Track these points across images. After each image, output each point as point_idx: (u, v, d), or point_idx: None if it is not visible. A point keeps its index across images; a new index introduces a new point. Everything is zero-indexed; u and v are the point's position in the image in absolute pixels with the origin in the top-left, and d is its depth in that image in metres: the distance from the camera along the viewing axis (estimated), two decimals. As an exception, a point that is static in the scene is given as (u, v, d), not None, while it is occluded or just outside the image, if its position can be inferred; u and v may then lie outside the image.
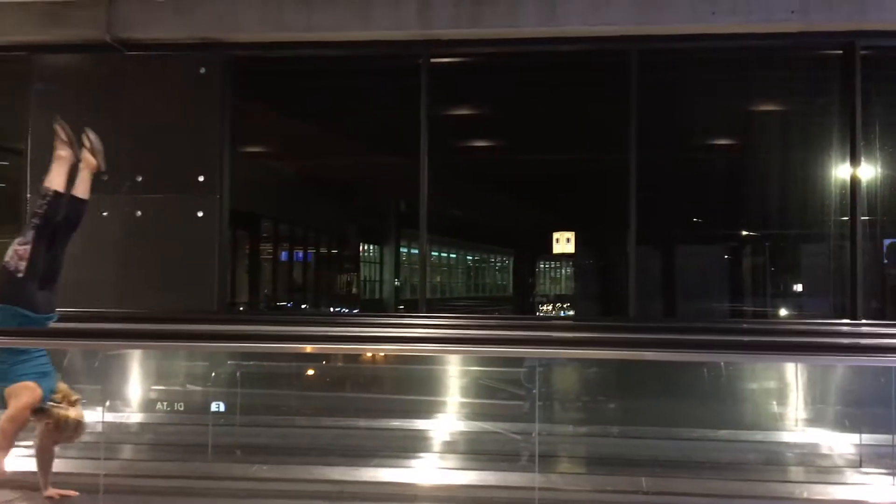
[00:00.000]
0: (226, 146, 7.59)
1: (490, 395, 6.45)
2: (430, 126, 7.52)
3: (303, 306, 10.55)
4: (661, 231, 8.00)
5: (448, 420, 6.38)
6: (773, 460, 5.68)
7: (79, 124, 4.73)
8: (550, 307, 10.68)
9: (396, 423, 6.31)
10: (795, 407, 6.16)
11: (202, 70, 7.50)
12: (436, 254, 11.94)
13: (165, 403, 6.67)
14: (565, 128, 8.11)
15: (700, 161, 8.07)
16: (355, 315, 9.44)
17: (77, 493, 4.59)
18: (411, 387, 6.73)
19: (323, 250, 11.41)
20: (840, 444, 5.78)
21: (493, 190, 9.55)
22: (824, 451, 5.83)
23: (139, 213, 7.46)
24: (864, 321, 6.84)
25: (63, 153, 4.67)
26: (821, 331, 6.22)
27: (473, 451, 5.91)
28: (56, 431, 4.41)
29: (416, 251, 7.94)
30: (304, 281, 11.03)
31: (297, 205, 9.93)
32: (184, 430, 6.24)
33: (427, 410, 6.43)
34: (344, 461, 5.25)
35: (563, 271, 11.24)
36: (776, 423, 6.15)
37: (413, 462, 5.42)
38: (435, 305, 10.41)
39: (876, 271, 7.52)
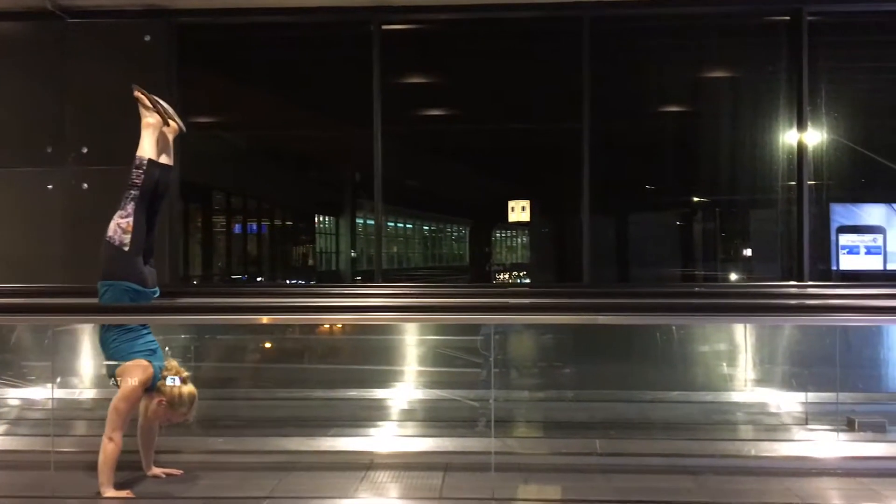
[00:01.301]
0: (174, 116, 7.43)
1: (447, 363, 6.48)
2: (383, 95, 7.47)
3: (258, 279, 10.45)
4: (614, 198, 8.08)
5: (406, 389, 6.40)
6: (724, 420, 5.82)
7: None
8: (507, 275, 10.74)
9: (354, 393, 6.31)
10: (745, 368, 6.31)
11: (147, 38, 7.32)
12: (392, 224, 11.90)
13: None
14: (520, 96, 8.11)
15: (652, 128, 8.15)
16: (311, 286, 9.38)
17: (181, 472, 4.51)
18: (368, 357, 6.73)
19: (277, 222, 11.30)
20: (787, 402, 5.94)
21: (449, 159, 9.52)
22: (772, 409, 5.98)
23: (86, 185, 7.29)
24: (810, 283, 7.02)
25: (151, 120, 4.57)
26: (769, 293, 6.36)
27: (431, 418, 5.94)
28: (170, 409, 4.28)
29: (373, 222, 7.91)
30: (259, 253, 10.93)
31: (250, 176, 9.79)
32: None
33: (385, 380, 6.44)
34: (301, 432, 5.24)
35: (519, 240, 11.29)
36: (726, 383, 6.30)
37: (371, 431, 5.43)
38: (392, 276, 10.41)
39: (822, 234, 7.70)
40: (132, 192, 4.40)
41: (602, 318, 4.60)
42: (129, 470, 4.40)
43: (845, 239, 7.76)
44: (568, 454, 4.92)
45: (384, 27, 7.50)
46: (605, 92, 7.48)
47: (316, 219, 11.01)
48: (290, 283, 10.22)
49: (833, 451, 4.91)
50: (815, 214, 7.50)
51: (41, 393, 5.97)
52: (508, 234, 11.44)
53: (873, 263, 7.73)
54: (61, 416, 5.71)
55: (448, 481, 4.43)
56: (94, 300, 5.24)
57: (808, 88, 7.30)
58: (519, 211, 8.57)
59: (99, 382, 6.57)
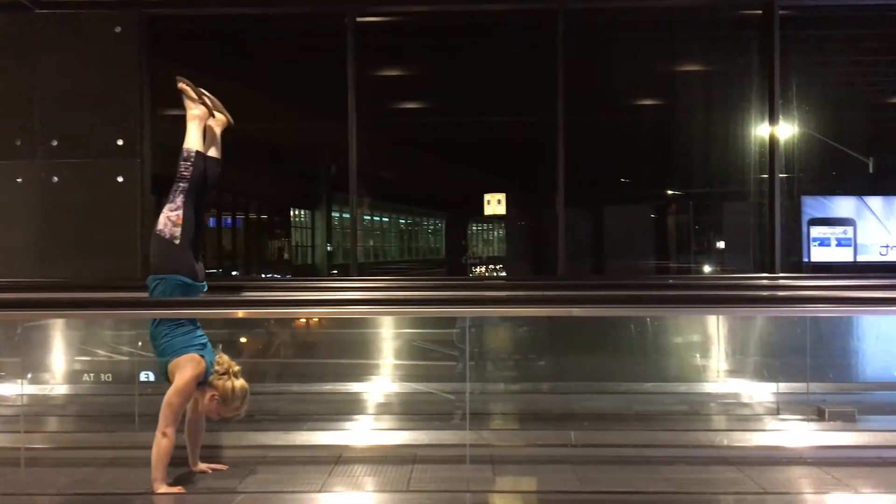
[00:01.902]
0: (145, 109, 7.35)
1: (423, 356, 6.48)
2: (358, 88, 7.43)
3: (233, 273, 10.39)
4: (589, 191, 8.12)
5: (382, 382, 6.41)
6: (697, 410, 5.88)
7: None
8: (483, 268, 10.76)
9: (329, 386, 6.30)
10: (717, 359, 6.38)
11: (118, 29, 7.22)
12: (368, 218, 11.87)
13: (91, 374, 6.52)
14: (494, 89, 8.11)
15: (626, 122, 8.19)
16: (286, 280, 9.35)
17: (227, 468, 4.46)
18: (344, 351, 6.72)
19: (252, 216, 11.22)
20: (759, 392, 6.02)
21: (424, 152, 9.51)
22: (744, 400, 6.06)
23: (56, 178, 7.19)
24: (781, 274, 7.10)
25: (197, 111, 4.50)
26: (741, 284, 6.43)
27: (407, 412, 5.95)
28: (222, 404, 4.21)
29: (348, 215, 7.88)
30: (234, 247, 10.85)
31: (225, 169, 9.70)
32: (112, 400, 6.11)
33: (361, 373, 6.44)
34: (276, 426, 5.22)
35: (495, 233, 11.32)
36: (699, 374, 6.36)
37: (347, 424, 5.43)
38: (368, 269, 10.39)
39: (794, 227, 7.79)
40: (181, 184, 4.35)
41: (577, 311, 4.61)
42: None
43: (816, 231, 7.86)
44: (543, 446, 4.94)
45: (358, 19, 7.45)
46: (580, 85, 7.50)
47: (291, 212, 10.96)
48: (266, 277, 10.16)
49: (804, 441, 4.97)
50: (787, 207, 7.58)
51: (11, 389, 5.89)
52: (484, 228, 11.47)
53: (844, 255, 7.84)
54: (33, 413, 5.64)
55: (422, 474, 4.43)
56: (70, 294, 5.19)
57: (779, 82, 7.37)
58: (495, 204, 8.58)
59: (71, 378, 6.52)
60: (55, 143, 7.22)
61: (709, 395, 6.17)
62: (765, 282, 6.70)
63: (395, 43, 7.98)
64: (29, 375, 6.21)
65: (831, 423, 5.24)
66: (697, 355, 6.45)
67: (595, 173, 8.12)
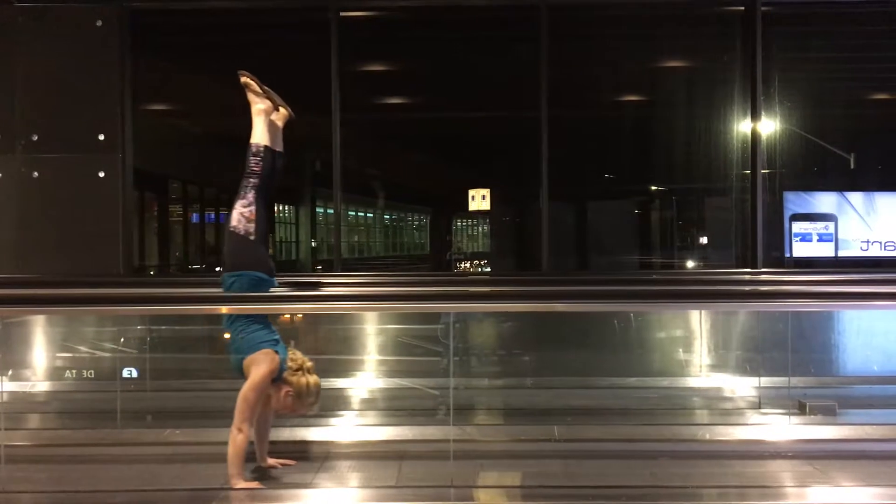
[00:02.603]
0: (127, 103, 7.30)
1: (408, 352, 6.48)
2: (342, 83, 7.40)
3: (217, 269, 10.33)
4: (572, 187, 8.14)
5: (366, 378, 6.40)
6: (679, 405, 5.91)
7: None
8: (467, 264, 10.76)
9: (314, 382, 6.27)
10: (700, 353, 6.42)
11: (99, 23, 7.16)
12: (352, 213, 11.85)
13: (74, 371, 6.48)
14: (479, 85, 8.11)
15: (610, 117, 8.21)
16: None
17: (294, 462, 4.43)
18: (329, 346, 6.70)
19: (236, 211, 11.16)
20: (741, 387, 6.06)
21: (409, 148, 9.50)
22: (727, 394, 6.10)
23: (36, 173, 7.13)
24: (763, 269, 7.15)
25: (262, 106, 4.45)
26: (723, 280, 6.47)
27: (391, 407, 5.94)
28: (297, 400, 4.19)
29: (333, 211, 7.86)
30: (218, 243, 10.79)
31: (207, 165, 9.66)
32: (94, 396, 6.07)
33: (345, 369, 6.43)
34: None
35: (480, 228, 11.33)
36: (682, 369, 6.40)
37: (331, 420, 5.41)
38: (352, 265, 10.37)
39: (776, 222, 7.84)
40: (251, 179, 4.31)
41: (560, 307, 4.64)
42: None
43: (798, 226, 7.92)
44: (526, 441, 4.95)
45: (342, 14, 7.43)
46: (564, 81, 7.51)
47: (275, 208, 10.91)
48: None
49: (785, 435, 5.00)
50: (769, 203, 7.63)
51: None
52: (469, 223, 11.47)
53: (825, 250, 7.91)
54: (14, 410, 5.60)
55: (406, 470, 4.43)
56: (51, 291, 5.16)
57: (761, 78, 7.41)
58: (479, 200, 8.58)
59: (53, 375, 6.47)
60: (35, 137, 7.15)
61: (692, 389, 6.21)
62: (747, 277, 6.76)
63: (378, 38, 7.96)
64: (10, 372, 6.15)
65: (812, 416, 5.29)
66: (680, 350, 6.49)
67: (579, 169, 8.14)
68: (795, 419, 5.27)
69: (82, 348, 6.55)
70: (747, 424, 5.34)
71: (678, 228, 8.82)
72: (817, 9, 7.70)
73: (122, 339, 6.25)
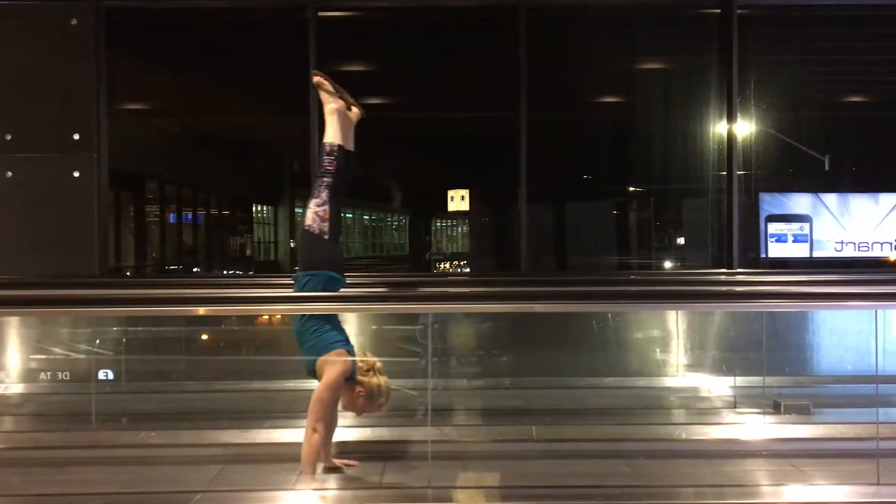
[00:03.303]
0: (102, 103, 7.24)
1: (387, 352, 6.46)
2: (320, 83, 7.36)
3: (194, 269, 10.27)
4: (551, 187, 8.16)
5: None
6: (656, 404, 5.95)
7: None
8: (447, 264, 10.77)
9: (292, 384, 6.25)
10: (676, 353, 6.46)
11: (74, 21, 7.09)
12: (331, 213, 11.78)
13: (49, 373, 6.41)
14: (458, 85, 8.11)
15: (588, 118, 8.24)
16: (248, 277, 9.26)
17: (357, 463, 4.39)
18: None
19: (214, 211, 11.10)
20: (717, 386, 6.11)
21: (388, 148, 9.48)
22: (703, 394, 6.15)
23: (9, 173, 7.05)
24: (739, 270, 7.22)
25: (335, 105, 4.42)
26: (700, 280, 6.51)
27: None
28: (368, 401, 4.18)
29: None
30: (195, 244, 10.72)
31: (185, 165, 9.59)
32: (68, 399, 6.01)
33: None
34: (237, 424, 5.16)
35: (459, 229, 11.33)
36: (659, 369, 6.44)
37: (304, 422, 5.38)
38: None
39: (751, 223, 7.91)
40: (325, 179, 4.30)
41: (538, 307, 4.65)
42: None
43: (773, 227, 8.00)
44: (505, 441, 4.96)
45: (320, 13, 7.41)
46: (542, 81, 7.54)
47: (254, 208, 10.86)
48: (228, 273, 10.06)
49: (760, 434, 5.05)
50: (745, 204, 7.70)
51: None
52: (448, 224, 11.48)
53: (800, 251, 7.99)
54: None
55: (384, 470, 4.42)
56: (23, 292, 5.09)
57: (737, 80, 7.48)
58: (458, 200, 8.59)
59: (27, 377, 6.40)
60: (9, 137, 7.08)
61: (668, 389, 6.25)
62: (723, 277, 6.81)
63: (357, 37, 7.94)
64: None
65: (787, 416, 5.34)
66: (657, 350, 6.53)
67: (557, 169, 8.17)
68: (770, 418, 5.32)
69: (57, 350, 6.49)
70: (723, 424, 5.38)
71: (656, 229, 8.87)
72: (793, 11, 7.77)
73: (97, 342, 6.19)
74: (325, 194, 4.27)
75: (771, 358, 5.73)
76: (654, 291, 5.40)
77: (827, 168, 8.20)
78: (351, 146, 4.48)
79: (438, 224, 11.23)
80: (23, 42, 7.10)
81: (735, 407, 5.68)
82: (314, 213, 4.25)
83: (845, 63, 8.37)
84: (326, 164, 4.34)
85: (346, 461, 4.43)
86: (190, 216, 10.58)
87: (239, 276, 9.60)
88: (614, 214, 8.94)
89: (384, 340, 6.52)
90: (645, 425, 5.28)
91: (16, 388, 6.35)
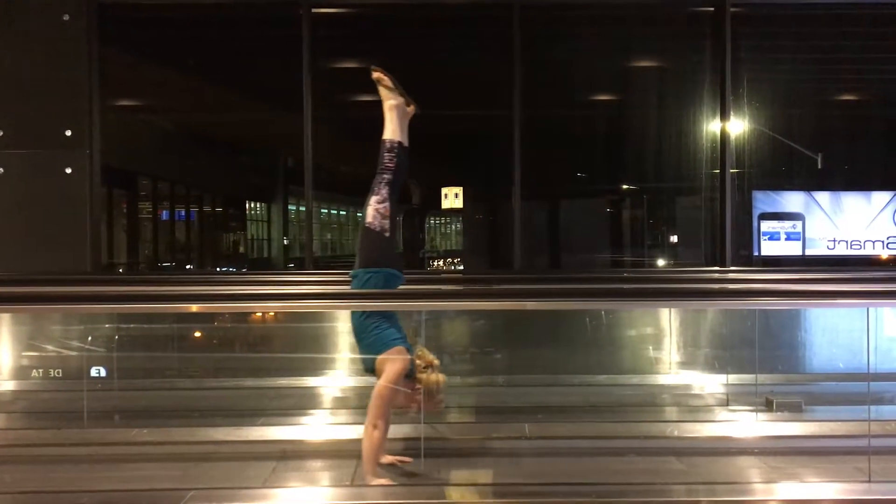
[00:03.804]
0: (95, 99, 7.19)
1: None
2: (314, 79, 7.36)
3: (187, 267, 10.24)
4: (545, 185, 8.16)
5: (338, 376, 6.37)
6: (649, 402, 5.96)
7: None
8: (440, 262, 10.76)
9: (284, 381, 6.25)
10: (669, 351, 6.47)
11: (66, 17, 7.05)
12: (325, 211, 11.79)
13: (41, 370, 6.39)
14: (452, 83, 8.10)
15: (582, 116, 8.24)
16: (241, 274, 9.25)
17: (411, 460, 4.35)
18: (300, 345, 6.67)
19: (207, 209, 11.07)
20: (709, 384, 6.13)
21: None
22: (695, 391, 6.16)
23: (1, 170, 7.01)
24: (732, 268, 7.23)
25: (394, 101, 4.42)
26: (693, 278, 6.54)
27: (363, 406, 5.91)
28: (426, 397, 4.18)
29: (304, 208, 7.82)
30: (188, 241, 10.70)
31: (178, 162, 9.56)
32: (59, 396, 6.00)
33: (317, 368, 6.40)
34: (229, 421, 5.16)
35: (453, 226, 11.32)
36: (652, 366, 6.45)
37: (302, 419, 5.39)
38: (325, 263, 10.30)
39: (744, 221, 7.93)
40: (385, 176, 4.31)
41: (530, 305, 4.66)
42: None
43: (766, 225, 8.01)
44: (497, 438, 4.97)
45: (314, 10, 7.39)
46: (536, 79, 7.53)
47: (247, 205, 10.84)
48: (220, 271, 10.04)
49: (752, 431, 5.07)
50: (738, 202, 7.70)
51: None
52: (442, 221, 11.47)
53: (793, 249, 8.00)
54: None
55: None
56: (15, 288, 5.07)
57: (730, 78, 7.49)
58: (452, 198, 8.58)
59: (19, 374, 6.38)
60: (0, 133, 7.04)
61: (661, 386, 6.27)
62: (716, 275, 6.83)
63: (350, 34, 7.92)
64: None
65: (779, 413, 5.37)
66: (650, 347, 6.54)
67: (551, 167, 8.16)
68: (762, 416, 5.34)
69: (49, 347, 6.47)
70: (715, 421, 5.40)
71: (649, 227, 8.88)
72: (786, 10, 7.78)
73: (89, 338, 6.17)
74: (385, 191, 4.28)
75: (763, 356, 5.76)
76: (646, 289, 5.42)
77: (820, 166, 8.22)
78: (406, 142, 4.46)
79: (432, 221, 11.23)
80: (14, 37, 7.06)
81: (727, 404, 5.70)
82: (375, 210, 4.26)
83: (838, 61, 8.39)
84: (387, 160, 4.34)
85: (400, 458, 4.40)
86: (183, 213, 10.55)
87: (233, 273, 9.59)
88: (608, 212, 8.95)
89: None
90: (637, 423, 5.29)
91: (7, 385, 6.33)
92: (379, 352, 4.14)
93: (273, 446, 4.81)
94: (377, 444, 4.08)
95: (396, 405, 4.25)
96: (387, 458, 4.36)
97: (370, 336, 4.18)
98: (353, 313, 4.28)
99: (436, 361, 4.25)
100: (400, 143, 4.38)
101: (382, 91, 4.50)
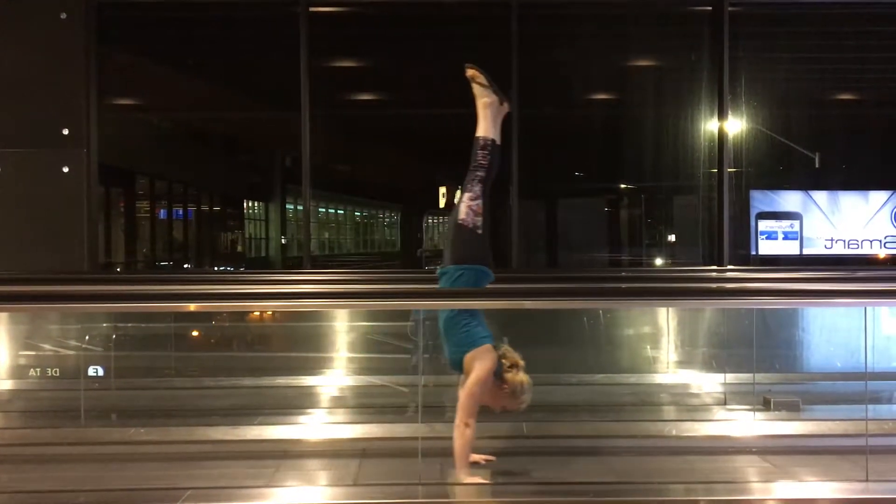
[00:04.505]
0: (92, 98, 7.18)
1: (378, 349, 6.47)
2: (312, 78, 7.36)
3: (185, 266, 10.25)
4: (542, 184, 8.17)
5: (336, 376, 6.37)
6: (647, 401, 5.95)
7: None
8: (438, 261, 10.76)
9: (282, 380, 6.25)
10: (667, 350, 6.47)
11: (63, 15, 7.04)
12: (323, 210, 11.80)
13: (38, 370, 6.38)
14: (450, 81, 8.07)
15: (579, 115, 8.25)
16: (239, 273, 9.25)
17: (494, 458, 4.35)
18: (298, 344, 6.67)
19: (205, 207, 11.07)
20: (707, 383, 6.13)
21: (379, 145, 9.47)
22: (693, 390, 6.16)
23: (-2, 168, 7.02)
24: (730, 267, 7.23)
25: (488, 99, 4.37)
26: (690, 277, 6.55)
27: (361, 405, 5.93)
28: (511, 397, 4.14)
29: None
30: (186, 240, 10.71)
31: (176, 160, 9.57)
32: (57, 395, 5.99)
33: (315, 367, 6.40)
34: (227, 421, 5.15)
35: (451, 226, 11.28)
36: (650, 365, 6.45)
37: (300, 419, 5.38)
38: (322, 262, 10.31)
39: (742, 220, 7.93)
40: (478, 173, 4.27)
41: (528, 304, 4.64)
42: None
43: (764, 225, 8.02)
44: (495, 438, 4.95)
45: (311, 9, 7.38)
46: (534, 79, 7.53)
47: (245, 204, 10.85)
48: (218, 269, 10.05)
49: (750, 430, 5.07)
50: (736, 201, 7.71)
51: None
52: (440, 220, 11.47)
53: (790, 248, 8.02)
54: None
55: (374, 468, 4.42)
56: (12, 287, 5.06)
57: (728, 78, 7.50)
58: (450, 196, 8.58)
59: (16, 373, 6.37)
60: (-3, 132, 7.04)
61: (659, 385, 6.26)
62: (713, 274, 6.83)
63: (348, 33, 7.92)
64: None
65: (777, 412, 5.36)
66: (648, 346, 6.54)
67: (548, 167, 8.17)
68: (760, 415, 5.34)
69: (46, 346, 6.46)
70: (713, 420, 5.40)
71: (647, 226, 8.89)
72: (784, 9, 7.79)
73: (87, 338, 6.17)
74: (478, 188, 4.25)
75: (761, 355, 5.75)
76: (644, 288, 5.43)
77: (817, 166, 8.23)
78: (499, 140, 4.45)
79: (430, 220, 11.24)
80: (11, 36, 7.05)
81: (725, 404, 5.70)
82: (468, 207, 4.23)
83: (836, 61, 8.40)
84: (480, 158, 4.31)
85: (484, 456, 4.39)
86: (181, 212, 10.56)
87: (231, 272, 9.58)
88: (605, 212, 8.96)
89: (375, 337, 6.52)
90: (635, 422, 5.29)
91: (5, 384, 6.32)
92: (468, 349, 4.12)
93: (273, 445, 4.81)
94: (469, 442, 4.06)
95: (481, 403, 4.20)
96: (472, 457, 4.33)
97: (459, 333, 4.16)
98: (440, 311, 4.26)
99: (521, 361, 4.22)
100: (493, 140, 4.35)
101: (476, 88, 4.46)
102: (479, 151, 4.33)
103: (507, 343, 4.31)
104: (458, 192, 4.35)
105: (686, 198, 8.33)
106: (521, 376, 4.18)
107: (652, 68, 8.29)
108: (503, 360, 4.18)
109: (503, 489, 4.23)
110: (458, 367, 4.18)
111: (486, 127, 4.38)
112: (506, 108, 4.49)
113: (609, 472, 4.42)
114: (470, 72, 4.49)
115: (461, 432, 4.06)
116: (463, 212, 4.24)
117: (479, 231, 4.23)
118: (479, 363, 4.09)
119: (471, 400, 4.07)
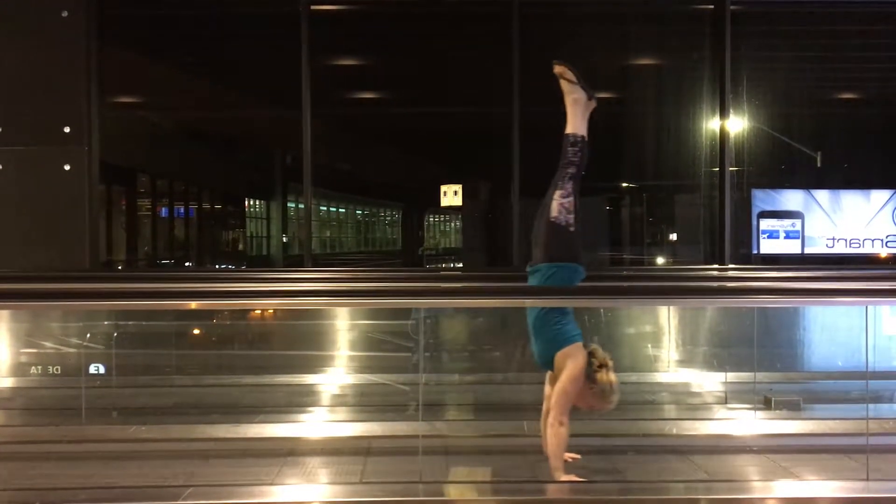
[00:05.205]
0: (93, 95, 7.17)
1: (379, 348, 6.47)
2: (313, 77, 7.35)
3: (186, 264, 10.25)
4: (544, 183, 8.13)
5: (336, 374, 6.38)
6: (647, 399, 5.95)
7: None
8: (439, 259, 10.77)
9: (283, 378, 6.26)
10: (668, 349, 6.47)
11: (64, 13, 7.04)
12: (324, 209, 11.80)
13: (39, 367, 6.39)
14: (451, 80, 8.10)
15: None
16: (240, 271, 9.26)
17: (580, 456, 4.31)
18: (299, 342, 6.68)
19: (206, 206, 11.07)
20: (708, 382, 6.13)
21: (381, 143, 9.47)
22: (694, 389, 6.16)
23: (0, 166, 7.01)
24: (731, 266, 7.23)
25: (577, 95, 4.34)
26: (692, 276, 6.52)
27: (361, 403, 5.93)
28: (600, 397, 4.10)
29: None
30: (187, 238, 10.70)
31: (177, 158, 9.57)
32: (58, 393, 6.00)
33: (315, 365, 6.41)
34: (228, 419, 5.16)
35: (452, 224, 11.34)
36: (650, 364, 6.45)
37: (301, 417, 5.40)
38: (324, 260, 10.32)
39: (744, 219, 7.92)
40: (569, 170, 4.25)
41: (529, 302, 4.63)
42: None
43: (766, 224, 8.01)
44: (495, 436, 4.97)
45: (313, 7, 7.38)
46: (535, 77, 7.52)
47: (246, 202, 10.84)
48: (219, 268, 10.05)
49: (751, 429, 5.07)
50: (737, 200, 7.70)
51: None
52: (441, 219, 11.49)
53: (792, 247, 8.00)
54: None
55: (375, 466, 4.42)
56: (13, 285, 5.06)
57: (730, 77, 7.48)
58: (451, 195, 8.58)
59: (17, 371, 6.37)
60: None
61: (660, 384, 6.26)
62: (715, 273, 6.82)
63: (349, 32, 7.92)
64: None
65: (777, 411, 5.37)
66: (649, 345, 6.53)
67: (551, 165, 8.14)
68: (761, 414, 5.34)
69: (48, 344, 6.47)
70: (714, 419, 5.40)
71: (648, 225, 8.89)
72: (786, 8, 7.78)
73: (88, 335, 6.18)
74: (569, 186, 4.23)
75: (762, 354, 5.75)
76: (645, 287, 5.41)
77: (819, 165, 8.22)
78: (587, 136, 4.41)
79: (431, 219, 11.24)
80: (13, 34, 7.05)
81: (726, 402, 5.70)
82: (560, 204, 4.21)
83: (837, 60, 8.39)
84: (570, 154, 4.29)
85: (569, 454, 4.33)
86: (182, 210, 10.56)
87: (232, 270, 9.59)
88: (607, 210, 8.95)
89: (375, 336, 6.53)
90: (636, 420, 5.28)
91: (6, 382, 6.33)
92: (559, 347, 4.09)
93: (275, 444, 4.81)
94: (564, 440, 4.03)
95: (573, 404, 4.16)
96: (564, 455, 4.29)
97: (551, 331, 4.13)
98: (530, 308, 4.22)
99: (610, 361, 4.17)
100: (583, 136, 4.33)
101: (564, 85, 4.43)
102: (569, 148, 4.30)
103: (596, 342, 4.28)
104: (549, 190, 4.30)
105: (687, 197, 8.31)
106: (611, 376, 4.13)
107: (653, 67, 8.28)
108: (592, 360, 4.12)
109: (502, 487, 4.22)
110: (549, 364, 4.15)
111: (575, 123, 4.35)
112: (593, 103, 4.46)
113: (609, 470, 4.42)
114: (558, 68, 4.46)
115: (556, 431, 4.02)
116: (555, 209, 4.21)
117: (572, 229, 4.21)
118: (572, 361, 4.05)
119: (564, 398, 4.03)
